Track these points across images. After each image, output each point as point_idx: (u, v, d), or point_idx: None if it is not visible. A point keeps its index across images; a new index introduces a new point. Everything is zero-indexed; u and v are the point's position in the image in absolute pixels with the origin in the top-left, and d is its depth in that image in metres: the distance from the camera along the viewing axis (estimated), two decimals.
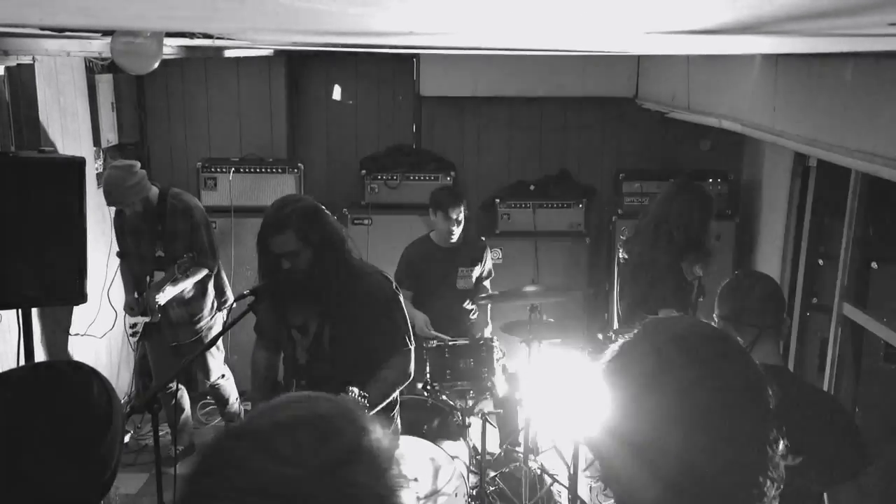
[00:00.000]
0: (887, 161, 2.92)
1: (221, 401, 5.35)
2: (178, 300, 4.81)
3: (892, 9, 1.17)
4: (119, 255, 4.96)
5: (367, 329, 3.21)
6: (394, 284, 3.37)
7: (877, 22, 1.41)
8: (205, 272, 4.79)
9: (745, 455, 1.12)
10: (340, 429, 0.93)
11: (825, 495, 2.46)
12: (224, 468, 0.91)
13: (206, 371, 5.12)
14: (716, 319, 2.64)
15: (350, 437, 0.92)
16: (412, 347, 3.33)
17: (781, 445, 1.15)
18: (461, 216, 4.91)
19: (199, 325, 4.93)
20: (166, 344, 4.93)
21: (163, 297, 4.63)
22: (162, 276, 4.69)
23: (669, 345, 1.18)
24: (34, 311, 4.04)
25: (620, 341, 1.24)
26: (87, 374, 1.60)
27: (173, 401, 4.95)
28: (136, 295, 4.82)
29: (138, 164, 4.71)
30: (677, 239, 4.13)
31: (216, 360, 5.17)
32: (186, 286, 4.75)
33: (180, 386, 5.15)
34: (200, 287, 4.88)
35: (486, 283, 5.24)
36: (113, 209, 4.85)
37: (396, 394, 3.33)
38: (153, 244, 4.73)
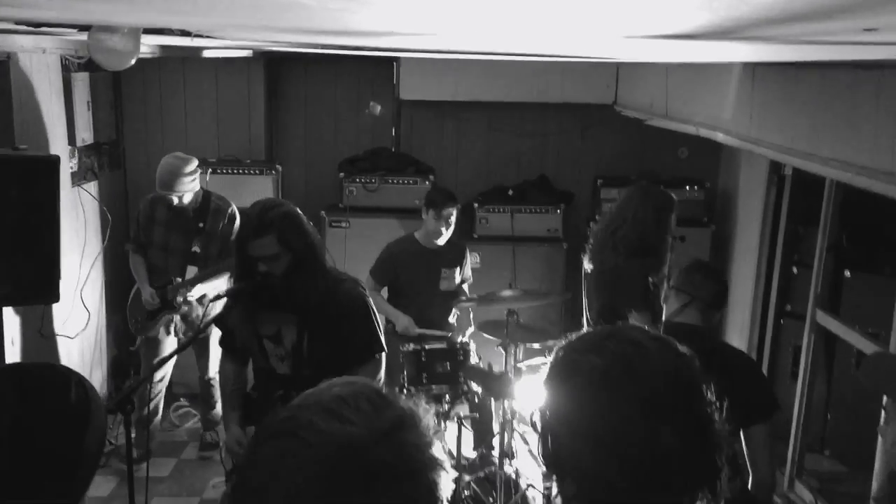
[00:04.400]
0: (861, 170, 2.96)
1: (209, 402, 5.28)
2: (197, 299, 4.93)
3: (867, 13, 1.18)
4: (133, 248, 5.01)
5: (346, 335, 3.21)
6: (366, 291, 3.37)
7: (852, 27, 1.43)
8: (228, 275, 4.85)
9: (704, 439, 1.21)
10: (392, 401, 1.08)
11: (741, 434, 2.90)
12: (296, 430, 1.02)
13: (206, 364, 5.14)
14: (667, 287, 3.34)
15: (401, 408, 1.08)
16: (385, 353, 3.36)
17: (720, 419, 1.26)
18: (452, 218, 4.90)
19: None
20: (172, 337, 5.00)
21: (195, 294, 4.82)
22: (195, 271, 4.87)
23: (631, 350, 1.26)
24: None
25: (574, 345, 1.31)
26: (64, 375, 1.57)
27: (151, 397, 4.93)
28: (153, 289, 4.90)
29: (196, 160, 4.91)
30: (631, 244, 4.03)
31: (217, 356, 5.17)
32: (216, 285, 4.86)
33: (160, 389, 5.09)
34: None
35: (465, 287, 5.25)
36: (78, 208, 4.83)
37: None
38: (190, 239, 4.88)
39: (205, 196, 4.95)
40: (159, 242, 4.95)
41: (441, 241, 4.96)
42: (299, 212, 3.20)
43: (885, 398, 3.07)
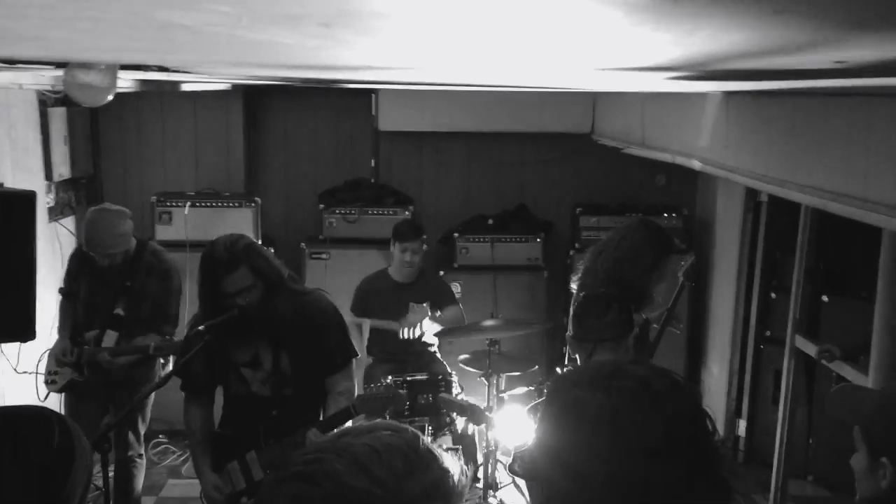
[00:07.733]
0: (835, 196, 2.99)
1: (125, 488, 4.40)
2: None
3: (837, 47, 1.20)
4: (64, 292, 4.42)
5: (322, 345, 3.29)
6: (330, 298, 3.44)
7: (823, 60, 1.45)
8: (157, 339, 4.23)
9: (693, 481, 1.16)
10: (430, 464, 1.03)
11: None
12: (322, 478, 0.99)
13: (128, 435, 4.34)
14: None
15: (435, 473, 1.03)
16: (357, 357, 3.43)
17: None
18: (416, 246, 4.86)
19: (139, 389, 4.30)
20: (95, 402, 4.28)
21: (112, 364, 4.13)
22: (115, 337, 4.16)
23: (622, 382, 1.21)
24: None
25: (564, 378, 1.26)
26: (46, 417, 1.54)
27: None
28: (70, 343, 4.21)
29: (129, 213, 4.30)
30: (609, 274, 3.84)
31: (139, 433, 4.44)
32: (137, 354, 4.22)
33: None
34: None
35: (451, 315, 5.07)
36: (55, 244, 4.63)
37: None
38: (114, 300, 4.19)
39: (138, 250, 4.26)
40: (85, 299, 4.31)
41: (411, 274, 4.93)
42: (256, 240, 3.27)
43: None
